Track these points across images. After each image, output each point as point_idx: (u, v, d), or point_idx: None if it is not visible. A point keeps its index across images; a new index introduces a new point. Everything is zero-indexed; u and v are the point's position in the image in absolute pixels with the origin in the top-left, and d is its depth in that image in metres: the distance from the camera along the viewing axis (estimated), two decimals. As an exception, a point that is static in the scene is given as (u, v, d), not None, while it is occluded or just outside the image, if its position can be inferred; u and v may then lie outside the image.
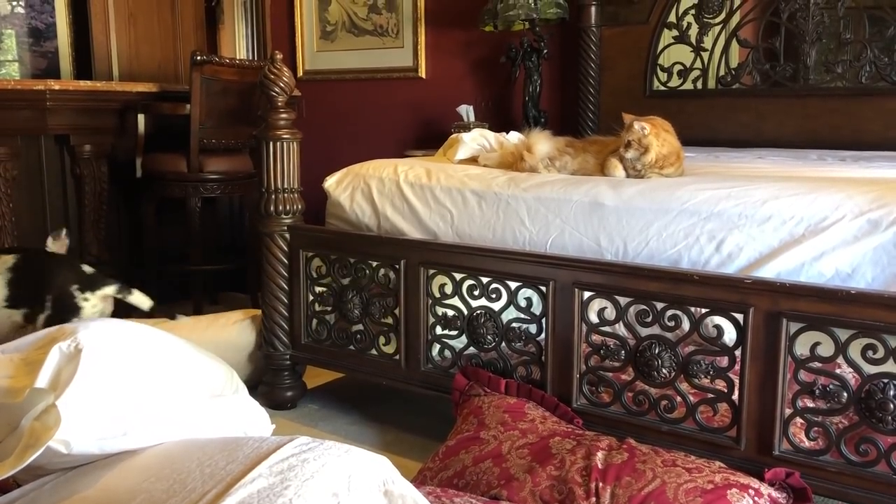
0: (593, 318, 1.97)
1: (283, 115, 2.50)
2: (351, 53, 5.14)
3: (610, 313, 1.93)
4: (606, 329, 1.95)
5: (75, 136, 3.47)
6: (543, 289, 2.02)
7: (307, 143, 2.54)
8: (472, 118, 4.39)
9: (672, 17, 3.84)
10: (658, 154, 2.10)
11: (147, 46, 5.11)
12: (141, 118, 3.67)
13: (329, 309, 2.50)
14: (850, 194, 1.75)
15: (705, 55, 3.78)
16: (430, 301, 2.25)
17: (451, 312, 2.22)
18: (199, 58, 3.35)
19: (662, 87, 3.92)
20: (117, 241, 3.82)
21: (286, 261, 2.55)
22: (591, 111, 4.09)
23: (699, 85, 3.82)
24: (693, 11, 3.79)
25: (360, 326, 2.42)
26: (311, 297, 2.55)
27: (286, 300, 2.58)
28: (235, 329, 2.69)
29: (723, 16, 3.70)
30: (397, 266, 2.29)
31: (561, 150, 2.32)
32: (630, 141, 2.13)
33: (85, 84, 3.66)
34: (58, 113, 3.39)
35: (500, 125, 4.44)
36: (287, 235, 2.55)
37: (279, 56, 2.48)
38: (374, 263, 2.36)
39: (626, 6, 3.96)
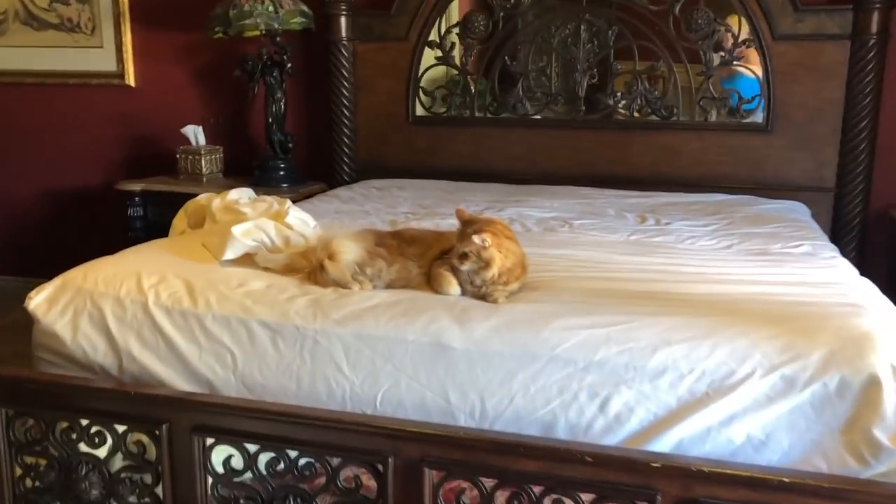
0: (450, 505, 1.50)
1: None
2: (30, 51, 4.08)
3: (471, 500, 1.48)
4: (471, 518, 1.49)
5: None
6: (379, 467, 1.51)
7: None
8: (201, 141, 3.67)
9: (434, 36, 3.44)
10: (502, 268, 1.67)
11: None
12: None
13: (50, 487, 1.75)
14: (755, 340, 1.45)
15: (473, 79, 3.44)
16: (211, 480, 1.63)
17: (243, 494, 1.62)
18: None
19: (427, 113, 3.52)
20: None
21: (-26, 420, 1.74)
22: (347, 135, 3.58)
23: (466, 112, 3.48)
24: (457, 31, 3.42)
25: (103, 511, 1.72)
26: (19, 471, 1.77)
27: (-22, 474, 1.77)
28: None
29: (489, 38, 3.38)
30: (157, 432, 1.62)
31: (371, 254, 1.79)
32: (466, 252, 1.67)
33: None
34: None
35: (237, 149, 3.76)
36: (-28, 384, 1.73)
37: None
38: (122, 428, 1.66)
39: (381, 19, 3.48)
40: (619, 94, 3.27)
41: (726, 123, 3.18)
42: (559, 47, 3.30)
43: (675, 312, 1.57)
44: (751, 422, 1.43)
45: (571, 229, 2.38)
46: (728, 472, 1.36)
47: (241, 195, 2.38)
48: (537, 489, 1.45)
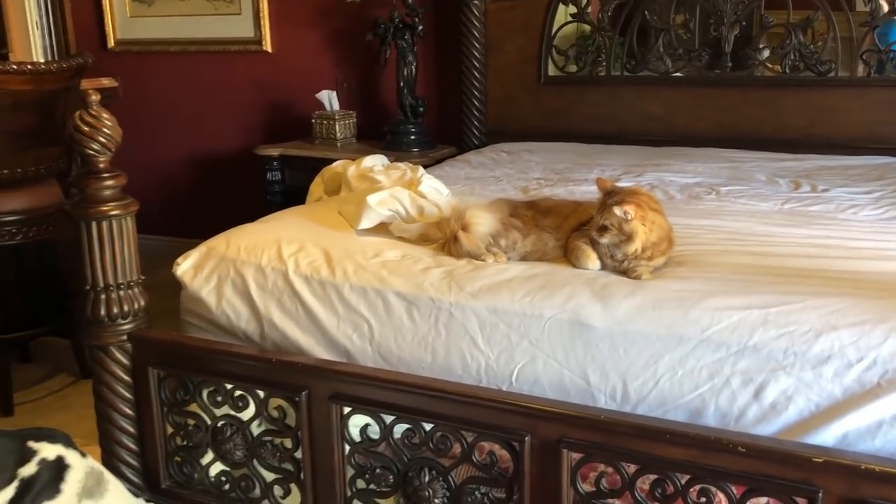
0: (586, 488, 1.45)
1: (109, 183, 1.74)
2: (174, 20, 4.23)
3: (610, 484, 1.42)
4: (606, 502, 1.44)
5: None
6: (516, 445, 1.47)
7: (124, 128, 1.76)
8: (335, 107, 3.70)
9: (569, -9, 3.31)
10: (645, 242, 1.58)
11: None
12: None
13: (198, 446, 1.83)
14: (938, 326, 1.31)
15: (608, 36, 3.29)
16: (349, 448, 1.65)
17: (378, 463, 1.63)
18: (-28, 65, 2.43)
19: (559, 73, 3.40)
20: None
21: (130, 380, 1.84)
22: (477, 98, 3.52)
23: (601, 71, 3.34)
24: (593, -15, 3.28)
25: (245, 471, 1.78)
26: (170, 429, 1.86)
27: (134, 431, 1.87)
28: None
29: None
30: (297, 398, 1.66)
31: (506, 224, 1.74)
32: (607, 225, 1.59)
33: None
34: None
35: (369, 114, 3.78)
36: (128, 347, 1.82)
37: (95, 97, 1.70)
38: (262, 393, 1.70)
39: (514, -24, 3.37)
40: (770, 48, 3.04)
41: (893, 79, 2.89)
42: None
43: (841, 293, 1.43)
44: (930, 418, 1.29)
45: (718, 197, 2.23)
46: (902, 469, 1.23)
47: (374, 162, 2.38)
48: (683, 478, 1.38)
